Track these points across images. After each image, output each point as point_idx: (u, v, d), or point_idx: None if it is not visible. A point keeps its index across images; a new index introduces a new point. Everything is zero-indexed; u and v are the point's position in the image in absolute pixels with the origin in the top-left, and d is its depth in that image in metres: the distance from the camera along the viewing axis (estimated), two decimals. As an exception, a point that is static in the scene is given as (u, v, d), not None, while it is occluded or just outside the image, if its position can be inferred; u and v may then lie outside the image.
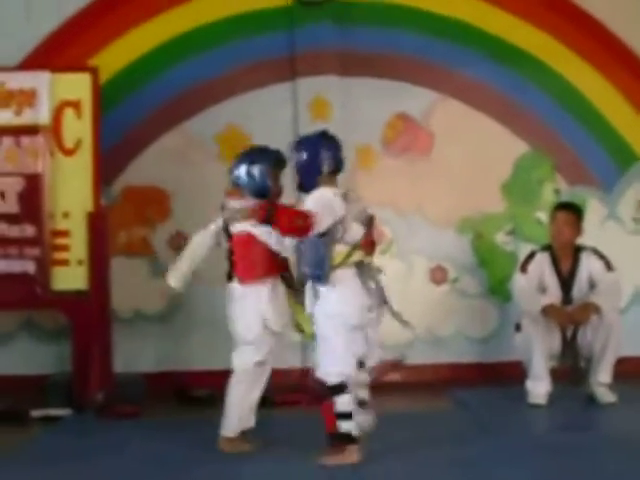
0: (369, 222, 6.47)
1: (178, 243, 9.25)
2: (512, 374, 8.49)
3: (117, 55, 9.36)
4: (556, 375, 8.29)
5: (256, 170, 6.80)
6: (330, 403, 6.21)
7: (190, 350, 9.29)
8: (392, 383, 9.26)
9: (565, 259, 8.45)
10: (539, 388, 8.22)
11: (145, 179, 9.38)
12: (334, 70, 9.48)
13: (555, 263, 8.46)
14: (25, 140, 8.43)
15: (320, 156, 6.42)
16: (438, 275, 9.62)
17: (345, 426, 6.21)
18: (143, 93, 9.37)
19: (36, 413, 8.08)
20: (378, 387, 9.22)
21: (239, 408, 6.68)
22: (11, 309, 8.89)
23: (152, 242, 9.43)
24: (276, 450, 6.59)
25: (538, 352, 8.18)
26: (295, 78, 9.50)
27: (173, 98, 9.40)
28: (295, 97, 9.52)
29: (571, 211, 8.54)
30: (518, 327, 8.25)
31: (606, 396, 8.18)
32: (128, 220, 9.40)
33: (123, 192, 9.39)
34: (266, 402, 8.05)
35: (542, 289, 8.40)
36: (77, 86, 8.50)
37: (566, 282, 8.42)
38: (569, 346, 8.35)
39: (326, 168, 6.40)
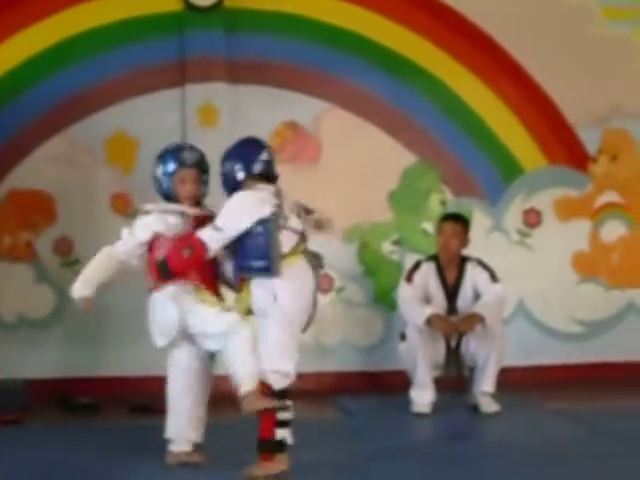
0: (304, 214, 6.47)
1: (63, 248, 9.35)
2: (397, 383, 8.64)
3: (4, 58, 9.30)
4: (440, 384, 8.41)
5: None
6: (272, 409, 6.05)
7: (74, 357, 9.23)
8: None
9: (451, 269, 8.56)
10: (423, 397, 8.34)
11: (30, 183, 9.33)
12: (223, 77, 9.52)
13: (440, 273, 8.57)
14: None
15: (233, 164, 6.42)
16: (324, 283, 9.52)
17: (281, 433, 6.14)
18: (26, 99, 9.29)
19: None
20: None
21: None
22: None
23: (36, 247, 9.37)
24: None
25: (422, 361, 8.29)
26: (184, 84, 9.51)
27: (59, 103, 9.34)
28: (183, 103, 9.53)
29: (458, 222, 8.66)
30: (403, 336, 8.36)
31: (489, 405, 8.33)
32: (11, 225, 9.35)
33: (6, 196, 9.34)
34: (146, 409, 8.19)
35: (427, 299, 8.49)
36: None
37: (451, 292, 8.55)
38: (453, 355, 8.49)
39: (240, 174, 6.37)
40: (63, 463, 6.69)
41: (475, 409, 8.35)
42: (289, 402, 6.21)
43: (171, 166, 6.59)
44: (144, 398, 8.44)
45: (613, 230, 10.10)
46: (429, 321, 8.27)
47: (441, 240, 8.58)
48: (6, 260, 9.28)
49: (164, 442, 6.54)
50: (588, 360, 9.81)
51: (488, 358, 8.31)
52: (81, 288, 6.49)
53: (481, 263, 8.57)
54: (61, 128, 9.42)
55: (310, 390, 9.26)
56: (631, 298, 10.07)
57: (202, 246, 6.12)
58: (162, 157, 6.68)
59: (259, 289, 6.15)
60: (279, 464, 6.10)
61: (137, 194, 9.36)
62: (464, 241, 8.61)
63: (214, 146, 9.44)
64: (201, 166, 6.65)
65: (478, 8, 9.85)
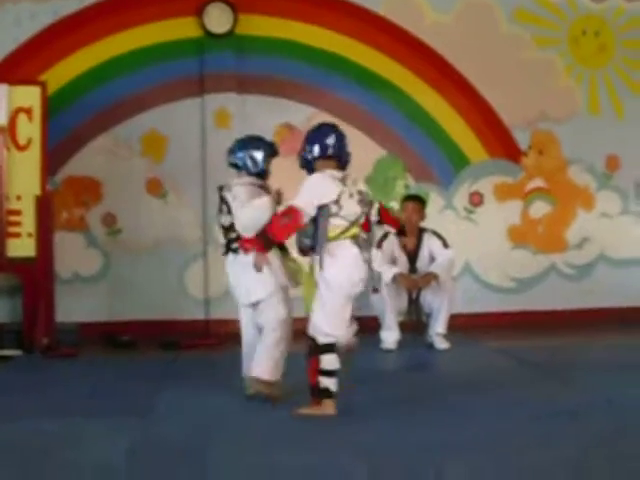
0: (368, 205, 5.93)
1: (108, 221, 9.36)
2: (369, 326, 8.57)
3: (62, 72, 9.24)
4: (403, 327, 8.47)
5: (259, 155, 6.46)
6: (315, 359, 5.72)
7: (117, 304, 9.26)
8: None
9: (411, 238, 8.51)
10: (390, 337, 8.40)
11: (82, 171, 9.33)
12: (234, 89, 9.48)
13: (402, 242, 8.53)
14: (-14, 138, 8.38)
15: (311, 144, 5.92)
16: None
17: (325, 382, 5.73)
18: (83, 102, 9.25)
19: (-7, 353, 8.06)
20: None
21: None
22: (-27, 271, 8.81)
23: (87, 220, 9.37)
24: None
25: (389, 309, 8.36)
26: (203, 94, 9.47)
27: (107, 107, 9.31)
28: (203, 109, 9.49)
29: (417, 201, 8.66)
30: (375, 290, 8.23)
31: (441, 343, 8.38)
32: (68, 203, 9.33)
33: (65, 180, 9.31)
34: (174, 345, 8.18)
35: (393, 261, 8.49)
36: (29, 96, 8.43)
37: (412, 256, 8.55)
38: (414, 305, 8.56)
39: (316, 154, 5.88)
40: (108, 387, 6.73)
41: (430, 346, 8.38)
42: (333, 355, 5.73)
43: (268, 151, 6.50)
44: (172, 337, 8.54)
45: (539, 208, 10.10)
46: (395, 278, 8.32)
47: (404, 215, 8.26)
48: (64, 230, 9.23)
49: (189, 371, 6.51)
50: (519, 309, 9.83)
51: (441, 306, 8.36)
52: None
53: (435, 233, 8.59)
54: (107, 128, 9.40)
55: (301, 330, 9.36)
56: (553, 261, 10.10)
57: (298, 214, 5.69)
58: (262, 144, 6.55)
59: (315, 263, 5.80)
60: (327, 408, 5.75)
61: (167, 179, 9.44)
62: (422, 216, 8.60)
63: (227, 142, 9.56)
64: None
65: (436, 36, 9.85)
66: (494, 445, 5.08)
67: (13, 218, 8.40)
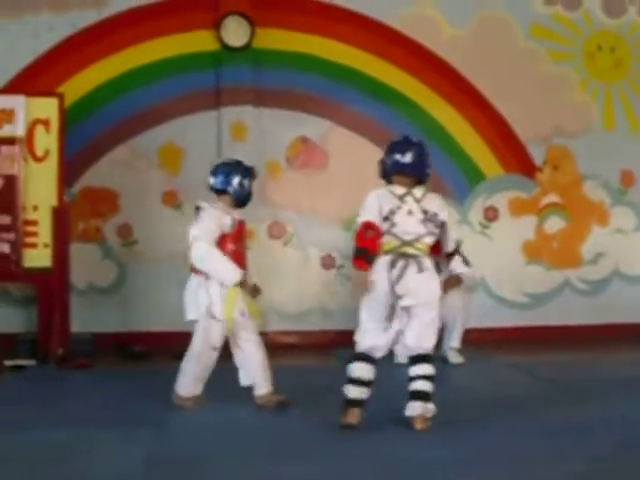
0: (438, 226, 5.87)
1: (124, 232, 9.39)
2: None
3: (79, 84, 9.28)
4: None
5: (246, 182, 6.50)
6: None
7: (131, 315, 9.28)
8: (288, 344, 9.45)
9: None
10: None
11: (99, 182, 9.36)
12: (250, 102, 9.51)
13: None
14: (4, 149, 8.37)
15: (388, 156, 5.90)
16: (328, 262, 9.71)
17: (351, 390, 5.82)
18: (100, 115, 9.29)
19: (8, 362, 8.07)
20: (279, 347, 9.44)
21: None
22: (-10, 281, 8.85)
23: (104, 231, 9.40)
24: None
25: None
26: (219, 107, 9.50)
27: (124, 119, 9.35)
28: (219, 122, 9.51)
29: None
30: None
31: (456, 358, 8.32)
32: (85, 214, 9.36)
33: (82, 191, 9.34)
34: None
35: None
36: (47, 108, 8.47)
37: None
38: None
39: (380, 172, 5.94)
40: (122, 398, 6.73)
41: (444, 361, 8.29)
42: (363, 364, 5.85)
43: (250, 175, 6.55)
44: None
45: (554, 224, 10.10)
46: None
47: None
48: (80, 241, 9.26)
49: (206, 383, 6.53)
50: (533, 324, 9.83)
51: (456, 320, 8.27)
52: (238, 272, 6.31)
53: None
54: (125, 139, 9.43)
55: (316, 344, 9.44)
56: (567, 276, 10.09)
57: (373, 225, 5.70)
58: (244, 168, 6.57)
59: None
60: (348, 417, 5.77)
61: (182, 191, 9.46)
62: None
63: (243, 156, 9.59)
64: None
65: (452, 51, 9.88)
66: (506, 460, 5.09)
67: (30, 228, 8.43)
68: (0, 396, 7.00)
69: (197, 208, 6.44)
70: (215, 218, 6.34)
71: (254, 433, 5.78)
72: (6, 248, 8.38)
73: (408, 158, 5.83)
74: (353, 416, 5.77)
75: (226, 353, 6.50)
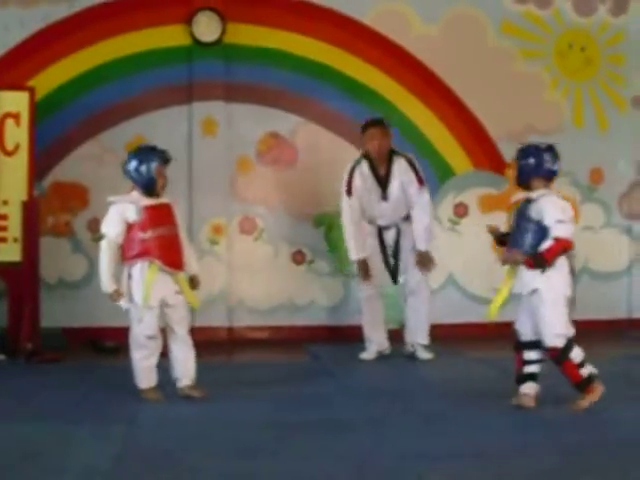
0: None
1: (94, 227, 9.33)
2: (352, 334, 8.68)
3: (50, 78, 9.24)
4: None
5: (144, 167, 6.44)
6: (568, 359, 6.07)
7: (101, 310, 8.96)
8: (258, 340, 9.50)
9: (382, 165, 8.14)
10: (370, 349, 8.34)
11: (69, 176, 9.34)
12: (221, 97, 9.52)
13: (374, 170, 8.15)
14: (-26, 143, 8.41)
15: (541, 162, 6.24)
16: (298, 257, 9.74)
17: (584, 371, 6.09)
18: (70, 109, 9.27)
19: (-23, 357, 8.05)
20: (248, 342, 9.47)
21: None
22: (-42, 275, 8.82)
23: (73, 226, 9.39)
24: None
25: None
26: (191, 102, 9.51)
27: (94, 114, 9.33)
28: (190, 116, 9.52)
29: (382, 125, 8.22)
30: None
31: (425, 354, 8.28)
32: (55, 208, 9.34)
33: (52, 186, 9.31)
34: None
35: (366, 189, 8.17)
36: (17, 102, 8.44)
37: (383, 183, 8.15)
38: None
39: (543, 173, 6.25)
40: (92, 394, 6.76)
41: (411, 356, 8.28)
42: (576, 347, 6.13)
43: (158, 160, 6.55)
44: None
45: (523, 220, 10.13)
46: (359, 260, 8.22)
47: (374, 143, 8.10)
48: (49, 235, 9.23)
49: (170, 378, 6.56)
50: (501, 319, 9.75)
51: (421, 315, 8.23)
52: (109, 284, 6.41)
53: (410, 162, 8.23)
54: (94, 134, 9.41)
55: (285, 339, 9.47)
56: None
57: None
58: (150, 153, 6.59)
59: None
60: (596, 392, 6.13)
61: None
62: (390, 138, 8.23)
63: (213, 150, 9.65)
64: None
65: (423, 48, 9.89)
66: (476, 454, 5.14)
67: (0, 223, 8.42)
68: (-31, 391, 6.97)
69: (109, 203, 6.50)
70: (116, 211, 6.43)
71: (226, 428, 5.80)
72: (-25, 242, 8.38)
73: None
74: (600, 388, 6.16)
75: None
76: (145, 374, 6.46)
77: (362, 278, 8.24)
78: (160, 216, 6.46)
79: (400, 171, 8.15)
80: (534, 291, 6.17)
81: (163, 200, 6.52)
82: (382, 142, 8.14)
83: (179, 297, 6.47)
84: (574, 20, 10.23)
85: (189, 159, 9.52)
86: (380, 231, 8.32)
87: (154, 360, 6.46)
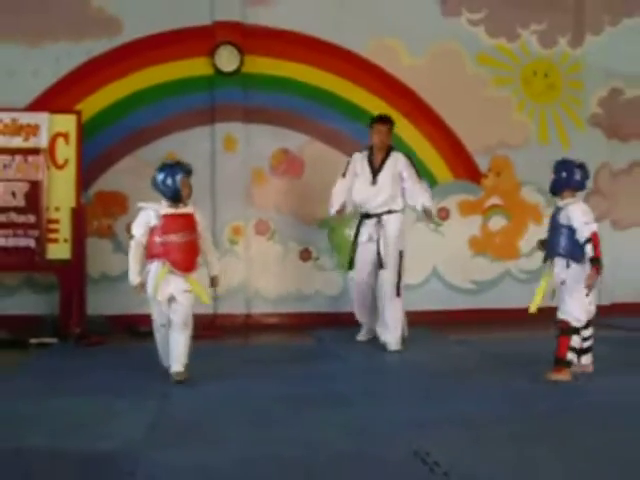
0: None
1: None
2: (350, 320, 8.50)
3: (94, 103, 9.20)
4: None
5: (170, 180, 6.33)
6: (567, 337, 6.24)
7: (136, 300, 9.09)
8: (271, 325, 9.47)
9: (379, 155, 7.98)
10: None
11: (111, 186, 9.28)
12: (240, 118, 9.46)
13: (371, 158, 7.99)
14: (30, 158, 8.35)
15: (572, 175, 6.45)
16: (305, 255, 9.68)
17: (570, 356, 6.25)
18: (111, 129, 9.22)
19: (34, 340, 8.06)
20: (262, 327, 9.44)
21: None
22: (19, 270, 8.79)
23: (114, 228, 9.32)
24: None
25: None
26: (214, 123, 9.45)
27: (131, 133, 9.28)
28: (213, 135, 9.46)
29: (388, 122, 8.04)
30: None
31: (395, 346, 7.72)
32: (98, 213, 9.29)
33: (96, 195, 9.28)
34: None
35: (359, 173, 8.00)
36: (66, 123, 8.46)
37: (375, 170, 7.93)
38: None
39: (573, 184, 6.44)
40: (131, 372, 6.76)
41: (383, 348, 7.78)
42: (578, 336, 6.31)
43: (181, 173, 6.44)
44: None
45: (496, 222, 10.10)
46: (337, 211, 8.12)
47: (377, 137, 7.94)
48: (94, 237, 9.19)
49: (196, 358, 6.52)
50: (478, 307, 9.86)
51: (390, 313, 7.76)
52: (134, 277, 6.41)
53: (409, 158, 8.08)
54: (132, 151, 9.35)
55: (294, 324, 9.43)
56: (507, 267, 10.10)
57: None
58: (174, 168, 6.45)
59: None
60: (565, 374, 6.26)
61: (182, 195, 9.42)
62: (391, 135, 8.08)
63: (233, 164, 9.63)
64: None
65: (411, 76, 9.85)
66: (455, 422, 5.15)
67: (52, 226, 8.42)
68: (27, 370, 6.99)
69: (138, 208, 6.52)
70: (142, 216, 6.40)
71: (245, 401, 5.80)
72: (32, 243, 8.37)
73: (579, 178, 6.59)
74: (570, 375, 6.30)
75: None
76: (163, 357, 6.51)
77: (336, 220, 8.19)
78: (176, 224, 6.34)
79: (396, 165, 7.94)
80: (562, 282, 6.34)
81: (185, 209, 6.42)
82: (384, 137, 8.00)
83: (187, 295, 6.33)
84: (538, 51, 10.18)
85: (212, 171, 9.49)
86: (362, 222, 8.04)
87: (164, 347, 6.45)
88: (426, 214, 8.04)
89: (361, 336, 8.29)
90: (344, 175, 8.10)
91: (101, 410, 5.52)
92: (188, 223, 6.42)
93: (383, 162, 7.99)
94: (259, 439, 4.83)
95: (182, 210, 6.39)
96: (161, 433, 5.00)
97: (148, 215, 6.36)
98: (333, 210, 8.13)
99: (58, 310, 8.55)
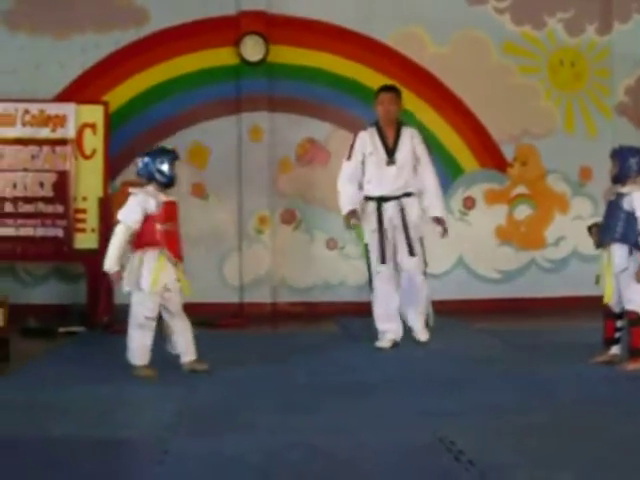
0: None
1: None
2: None
3: (121, 94, 9.32)
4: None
5: (166, 166, 6.15)
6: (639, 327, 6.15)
7: None
8: (297, 313, 9.51)
9: (390, 131, 7.23)
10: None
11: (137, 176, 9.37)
12: (265, 108, 9.53)
13: (381, 134, 7.25)
14: (58, 148, 8.47)
15: (629, 162, 6.31)
16: (331, 244, 9.74)
17: None
18: (138, 120, 9.32)
19: (62, 329, 8.13)
20: (288, 316, 9.46)
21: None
22: (47, 260, 8.92)
23: (141, 218, 9.43)
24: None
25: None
26: (240, 112, 9.52)
27: (159, 123, 9.38)
28: (239, 125, 9.53)
29: (394, 91, 7.36)
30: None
31: (422, 335, 7.44)
32: (124, 204, 9.32)
33: (123, 184, 9.17)
34: (210, 324, 8.10)
35: (369, 153, 7.22)
36: (94, 114, 8.57)
37: (391, 148, 7.20)
38: None
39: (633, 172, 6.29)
40: (157, 359, 6.53)
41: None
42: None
43: (171, 159, 6.25)
44: (209, 316, 8.23)
45: (522, 211, 10.09)
46: (350, 211, 7.27)
47: (382, 108, 7.20)
48: (122, 226, 9.26)
49: (222, 346, 6.54)
50: (504, 296, 9.84)
51: (415, 299, 7.36)
52: (113, 265, 6.12)
53: (421, 134, 7.43)
54: (159, 140, 9.24)
55: (319, 313, 9.48)
56: (533, 256, 10.08)
57: None
58: (164, 154, 6.25)
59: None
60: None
61: (208, 184, 9.54)
62: (400, 106, 7.35)
63: (259, 153, 9.67)
64: None
65: (436, 64, 9.86)
66: (480, 411, 5.13)
67: (80, 216, 8.53)
68: (55, 358, 7.07)
69: (129, 194, 6.20)
70: (137, 202, 6.10)
71: (270, 388, 5.83)
72: (60, 232, 8.49)
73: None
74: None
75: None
76: (141, 352, 6.15)
77: (346, 227, 7.46)
78: (172, 212, 6.23)
79: (412, 140, 7.22)
80: (624, 269, 6.21)
81: (173, 198, 6.29)
82: (390, 107, 7.21)
83: (177, 284, 6.18)
84: (565, 39, 10.13)
85: (238, 161, 9.54)
86: (379, 207, 7.23)
87: (149, 340, 6.17)
88: (440, 224, 7.41)
89: (385, 342, 7.30)
90: (349, 157, 7.29)
91: (128, 398, 5.56)
92: (176, 212, 6.31)
93: (397, 138, 7.24)
94: (285, 426, 4.84)
95: (172, 198, 6.27)
96: (188, 420, 5.02)
97: (146, 201, 6.09)
98: (345, 210, 7.30)
99: (86, 299, 8.63)
